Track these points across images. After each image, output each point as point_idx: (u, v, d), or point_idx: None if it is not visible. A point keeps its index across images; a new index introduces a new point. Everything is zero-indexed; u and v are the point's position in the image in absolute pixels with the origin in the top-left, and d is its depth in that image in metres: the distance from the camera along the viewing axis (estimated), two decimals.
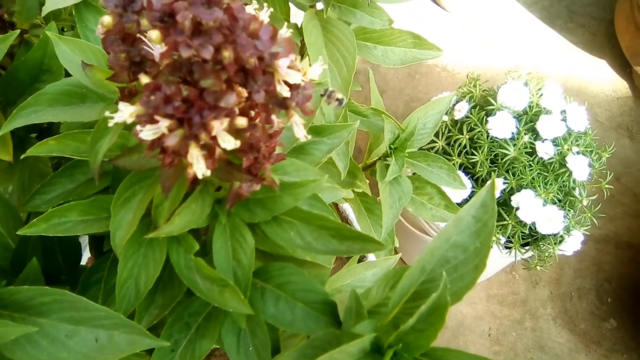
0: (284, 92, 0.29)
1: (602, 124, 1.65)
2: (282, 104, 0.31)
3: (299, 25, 0.59)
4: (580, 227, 1.09)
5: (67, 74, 0.51)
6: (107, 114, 0.28)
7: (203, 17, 0.24)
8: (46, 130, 0.56)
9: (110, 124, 0.28)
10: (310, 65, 0.54)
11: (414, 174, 0.75)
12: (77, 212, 0.41)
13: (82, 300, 0.36)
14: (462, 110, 1.11)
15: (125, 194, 0.38)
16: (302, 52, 0.63)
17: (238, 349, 0.45)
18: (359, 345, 0.35)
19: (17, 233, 0.40)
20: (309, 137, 0.33)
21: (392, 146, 0.69)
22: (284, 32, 0.33)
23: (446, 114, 1.13)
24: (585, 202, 1.09)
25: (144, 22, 0.27)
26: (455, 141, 1.10)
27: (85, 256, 0.67)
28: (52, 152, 0.41)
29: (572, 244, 1.10)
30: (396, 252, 0.82)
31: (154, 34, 0.25)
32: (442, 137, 1.12)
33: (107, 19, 0.29)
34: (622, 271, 1.47)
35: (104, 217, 0.41)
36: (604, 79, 1.73)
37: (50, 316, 0.37)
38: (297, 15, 0.65)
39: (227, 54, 0.26)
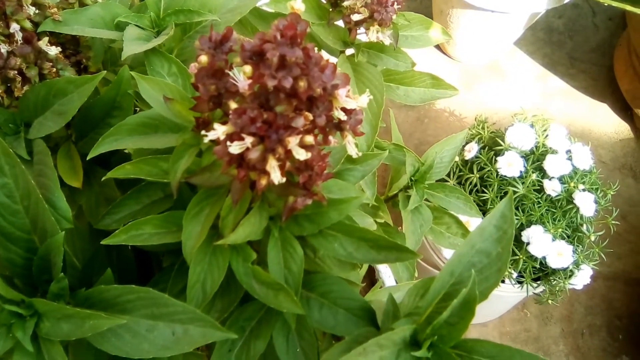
0: (341, 116, 0.36)
1: (606, 165, 1.71)
2: (338, 127, 0.37)
3: None
4: (589, 262, 1.13)
5: (134, 111, 0.58)
6: (202, 132, 0.34)
7: (287, 54, 0.31)
8: (106, 163, 0.62)
9: (205, 140, 0.34)
10: None
11: (432, 206, 0.80)
12: (152, 225, 0.47)
13: (163, 297, 0.41)
14: (471, 150, 1.17)
15: (194, 209, 0.45)
16: None
17: (287, 350, 0.51)
18: (400, 334, 0.40)
19: (101, 243, 0.46)
20: (360, 153, 0.39)
21: (412, 178, 0.75)
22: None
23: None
24: (593, 238, 1.13)
25: (236, 59, 0.34)
26: (466, 180, 1.15)
27: None
28: (129, 175, 0.47)
29: (582, 278, 1.14)
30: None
31: (247, 68, 0.32)
32: (453, 176, 1.18)
33: (204, 58, 0.36)
34: (632, 308, 1.50)
35: (174, 230, 0.47)
36: (606, 121, 1.80)
37: (133, 313, 0.42)
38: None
39: (303, 84, 0.33)
